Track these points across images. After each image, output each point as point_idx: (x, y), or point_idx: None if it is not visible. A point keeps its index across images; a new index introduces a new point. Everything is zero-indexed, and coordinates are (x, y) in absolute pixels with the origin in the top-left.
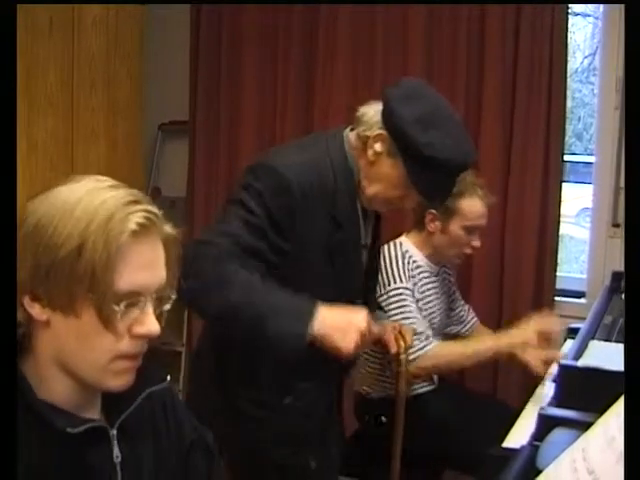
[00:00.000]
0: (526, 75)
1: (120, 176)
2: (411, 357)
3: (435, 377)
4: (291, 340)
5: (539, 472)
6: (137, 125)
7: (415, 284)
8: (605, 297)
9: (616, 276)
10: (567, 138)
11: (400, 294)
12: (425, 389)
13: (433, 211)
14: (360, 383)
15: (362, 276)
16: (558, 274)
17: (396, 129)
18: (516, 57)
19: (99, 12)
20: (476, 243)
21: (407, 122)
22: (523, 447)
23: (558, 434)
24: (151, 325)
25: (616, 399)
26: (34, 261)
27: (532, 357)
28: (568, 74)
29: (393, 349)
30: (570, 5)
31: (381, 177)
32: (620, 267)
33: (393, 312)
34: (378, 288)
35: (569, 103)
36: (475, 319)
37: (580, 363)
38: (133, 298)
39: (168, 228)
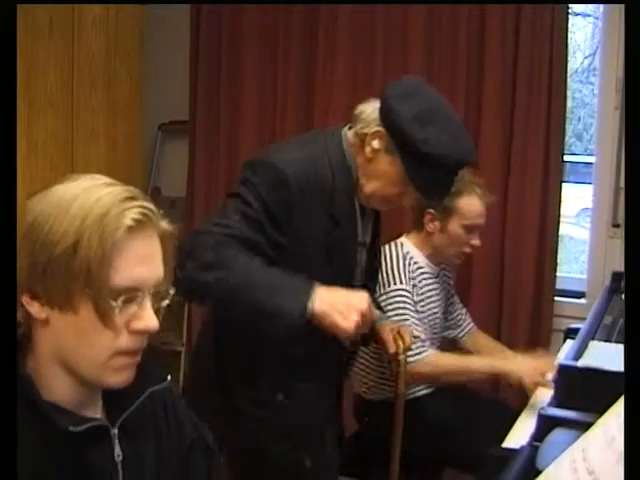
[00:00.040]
0: (526, 75)
1: (120, 176)
2: (408, 360)
3: None
4: (290, 316)
5: (539, 472)
6: (137, 125)
7: (415, 286)
8: (605, 297)
9: (616, 276)
10: (567, 138)
11: (400, 295)
12: (424, 392)
13: (432, 211)
14: (359, 385)
15: (361, 275)
16: (558, 274)
17: (394, 126)
18: (516, 57)
19: (99, 12)
20: (476, 242)
21: (405, 119)
22: (523, 447)
23: (558, 434)
24: (149, 320)
25: (616, 399)
26: (31, 259)
27: (527, 377)
28: (568, 74)
29: (392, 349)
30: (570, 5)
31: (379, 174)
32: (620, 267)
33: (392, 313)
34: (378, 288)
35: (569, 103)
36: (472, 324)
37: (580, 363)
38: (130, 293)
39: (165, 224)
